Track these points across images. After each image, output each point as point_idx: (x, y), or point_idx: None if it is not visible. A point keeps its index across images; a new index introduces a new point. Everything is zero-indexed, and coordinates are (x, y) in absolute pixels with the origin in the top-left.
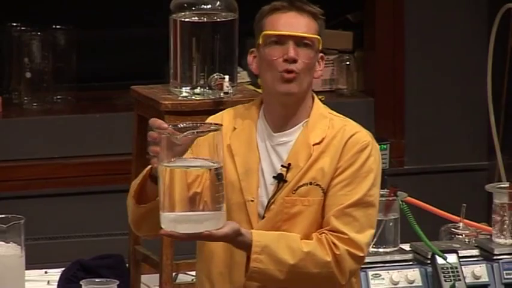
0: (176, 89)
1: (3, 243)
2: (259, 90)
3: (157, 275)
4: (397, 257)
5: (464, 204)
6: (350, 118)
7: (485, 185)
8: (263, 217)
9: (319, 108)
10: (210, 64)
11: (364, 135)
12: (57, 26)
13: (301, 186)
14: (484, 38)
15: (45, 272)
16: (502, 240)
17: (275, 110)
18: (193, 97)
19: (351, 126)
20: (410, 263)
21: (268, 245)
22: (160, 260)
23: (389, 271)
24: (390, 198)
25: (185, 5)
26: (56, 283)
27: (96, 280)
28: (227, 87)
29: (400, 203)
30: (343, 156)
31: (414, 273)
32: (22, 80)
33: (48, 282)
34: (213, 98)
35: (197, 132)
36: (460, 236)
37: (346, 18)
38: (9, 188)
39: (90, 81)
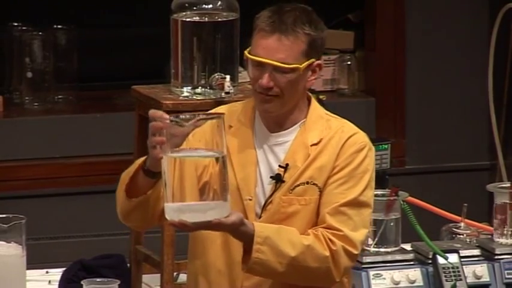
0: (177, 89)
1: (4, 243)
2: None
3: (159, 274)
4: (398, 257)
5: (466, 204)
6: (351, 118)
7: (486, 185)
8: (260, 216)
9: (316, 108)
10: (211, 64)
11: (362, 137)
12: (58, 26)
13: (298, 185)
14: (485, 37)
15: (47, 272)
16: (503, 240)
17: (268, 116)
18: (194, 97)
19: (349, 127)
20: (412, 262)
21: (270, 236)
22: (161, 260)
23: (390, 271)
24: (391, 198)
25: (186, 4)
26: (57, 283)
27: (97, 280)
28: (228, 87)
29: (401, 202)
30: (341, 155)
31: (415, 273)
32: (23, 80)
33: (49, 282)
34: (214, 97)
35: (201, 119)
36: (461, 236)
37: (347, 18)
38: (10, 188)
39: (91, 81)
